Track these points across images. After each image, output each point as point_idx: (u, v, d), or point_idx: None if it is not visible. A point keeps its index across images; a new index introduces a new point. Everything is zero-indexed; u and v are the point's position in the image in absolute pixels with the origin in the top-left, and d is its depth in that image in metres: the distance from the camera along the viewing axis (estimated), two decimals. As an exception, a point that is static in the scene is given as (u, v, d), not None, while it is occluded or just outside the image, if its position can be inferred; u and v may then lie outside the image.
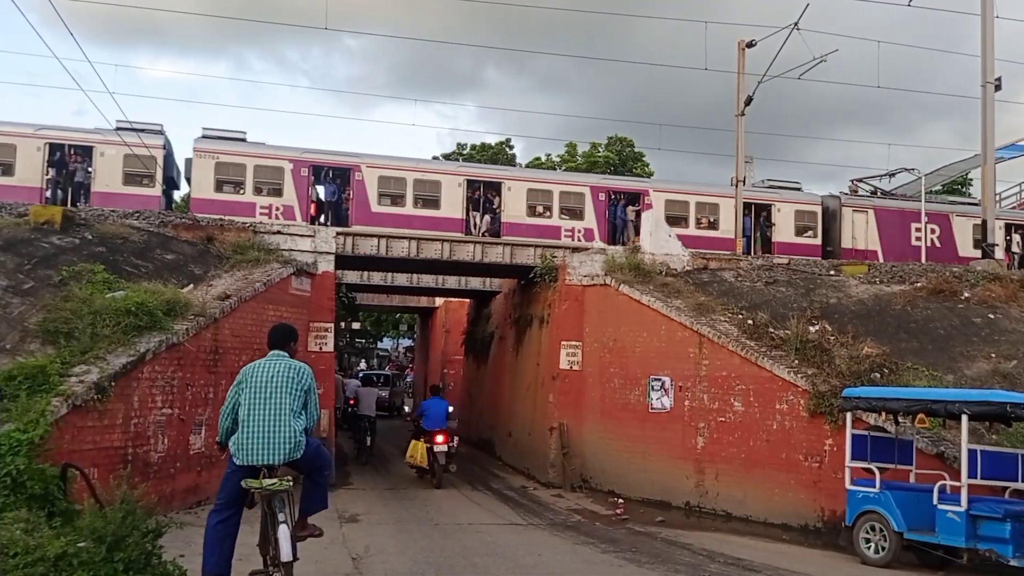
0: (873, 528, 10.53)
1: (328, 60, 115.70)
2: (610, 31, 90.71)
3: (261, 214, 20.45)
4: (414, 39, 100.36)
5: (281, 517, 6.12)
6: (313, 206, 21.63)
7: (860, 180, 27.32)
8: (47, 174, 19.91)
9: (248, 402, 6.18)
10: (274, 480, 6.09)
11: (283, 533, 6.06)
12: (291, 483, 6.28)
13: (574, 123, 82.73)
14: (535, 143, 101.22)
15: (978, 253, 21.09)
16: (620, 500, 14.79)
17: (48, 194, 19.75)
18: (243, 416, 6.16)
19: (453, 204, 22.04)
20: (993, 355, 13.89)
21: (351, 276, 26.12)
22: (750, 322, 14.86)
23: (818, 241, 24.54)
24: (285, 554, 6.03)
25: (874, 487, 10.64)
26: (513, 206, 22.42)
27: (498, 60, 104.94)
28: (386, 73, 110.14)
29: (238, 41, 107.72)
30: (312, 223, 19.75)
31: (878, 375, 13.09)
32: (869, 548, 10.53)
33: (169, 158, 21.33)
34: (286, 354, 6.52)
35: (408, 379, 45.33)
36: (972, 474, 9.86)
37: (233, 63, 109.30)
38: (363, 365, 54.42)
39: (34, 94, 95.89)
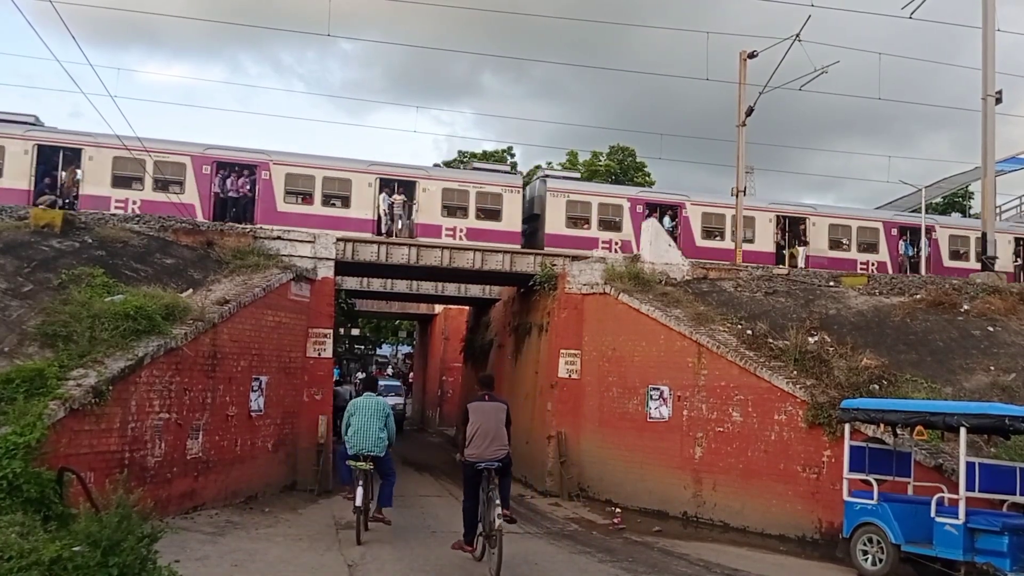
0: (871, 540, 10.51)
1: (324, 64, 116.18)
2: (610, 39, 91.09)
3: None
4: (411, 45, 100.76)
5: (360, 482, 10.67)
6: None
7: None
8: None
9: (356, 420, 10.96)
10: (361, 462, 10.80)
11: (359, 492, 10.61)
12: (371, 467, 10.88)
13: (573, 131, 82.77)
14: (535, 151, 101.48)
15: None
16: (617, 509, 14.77)
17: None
18: (354, 428, 10.92)
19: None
20: (992, 368, 13.88)
21: (351, 282, 26.11)
22: (749, 332, 14.85)
23: None
24: (358, 499, 10.60)
25: (872, 499, 10.62)
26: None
27: (496, 67, 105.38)
28: (382, 78, 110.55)
29: (233, 44, 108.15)
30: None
31: (877, 387, 13.08)
32: (866, 560, 10.51)
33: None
34: (374, 394, 11.45)
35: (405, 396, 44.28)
36: (970, 487, 9.82)
37: (228, 66, 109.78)
38: (389, 372, 54.08)
39: (31, 96, 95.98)
